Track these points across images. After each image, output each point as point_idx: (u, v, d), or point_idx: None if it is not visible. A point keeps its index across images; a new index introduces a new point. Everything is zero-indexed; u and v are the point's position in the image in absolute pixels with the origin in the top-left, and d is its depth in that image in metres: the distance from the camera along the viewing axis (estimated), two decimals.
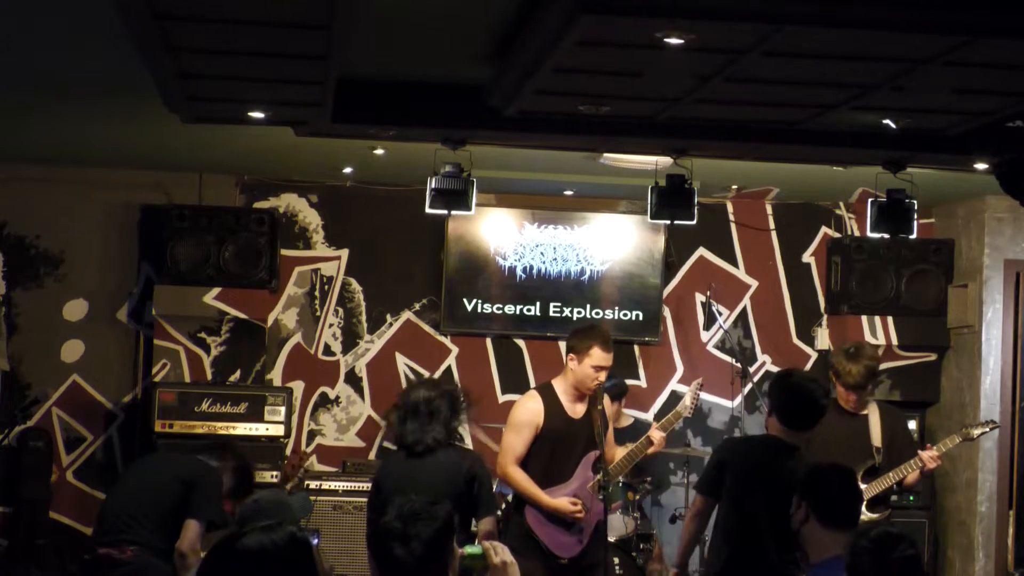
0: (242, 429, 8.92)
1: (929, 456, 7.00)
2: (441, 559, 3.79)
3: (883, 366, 9.35)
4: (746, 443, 6.58)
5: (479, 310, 9.58)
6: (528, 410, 6.83)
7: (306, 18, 4.97)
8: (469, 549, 3.95)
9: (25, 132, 8.23)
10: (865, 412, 7.17)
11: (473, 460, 6.13)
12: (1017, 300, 9.19)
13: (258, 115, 6.76)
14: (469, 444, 9.06)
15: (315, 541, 7.70)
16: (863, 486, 6.95)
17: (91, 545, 6.35)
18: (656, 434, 7.04)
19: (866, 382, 7.11)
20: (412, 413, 5.98)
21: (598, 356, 6.73)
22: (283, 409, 9.08)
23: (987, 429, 7.31)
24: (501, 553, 3.92)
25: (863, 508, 6.88)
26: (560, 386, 6.85)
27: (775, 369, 9.85)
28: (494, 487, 8.54)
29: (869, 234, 7.67)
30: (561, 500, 6.76)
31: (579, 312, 9.58)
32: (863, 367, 7.05)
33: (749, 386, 9.17)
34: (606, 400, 7.01)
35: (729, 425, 9.76)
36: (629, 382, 9.38)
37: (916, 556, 4.02)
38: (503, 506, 8.43)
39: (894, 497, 7.74)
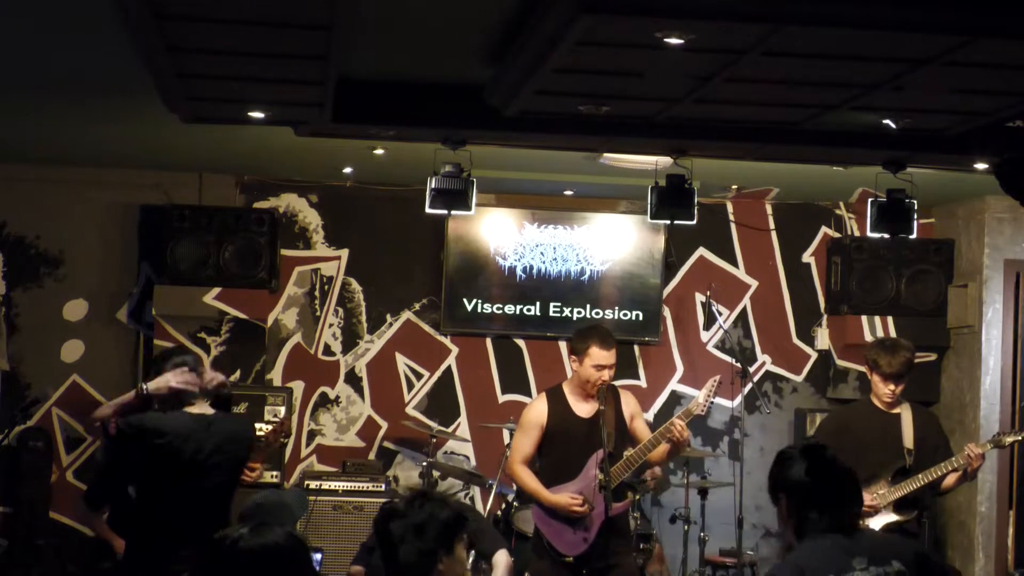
0: None
1: (973, 452, 6.79)
2: (431, 555, 3.77)
3: None
4: None
5: (479, 310, 9.57)
6: (533, 411, 6.97)
7: (306, 18, 4.97)
8: None
9: (25, 132, 8.23)
10: (897, 411, 7.06)
11: None
12: (1017, 300, 9.19)
13: (258, 115, 6.76)
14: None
15: (318, 557, 7.64)
16: (890, 487, 6.91)
17: None
18: (678, 422, 6.64)
19: (905, 371, 7.02)
20: None
21: (597, 355, 6.76)
22: (283, 409, 9.09)
23: (1020, 437, 7.17)
24: None
25: (890, 509, 6.89)
26: (568, 387, 6.94)
27: (775, 369, 9.88)
28: (494, 488, 8.57)
29: (869, 234, 7.69)
30: (561, 496, 6.76)
31: (579, 312, 9.58)
32: (902, 357, 7.00)
33: (749, 386, 9.16)
34: (629, 395, 7.03)
35: (729, 425, 9.76)
36: (629, 382, 9.38)
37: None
38: (503, 506, 8.45)
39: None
